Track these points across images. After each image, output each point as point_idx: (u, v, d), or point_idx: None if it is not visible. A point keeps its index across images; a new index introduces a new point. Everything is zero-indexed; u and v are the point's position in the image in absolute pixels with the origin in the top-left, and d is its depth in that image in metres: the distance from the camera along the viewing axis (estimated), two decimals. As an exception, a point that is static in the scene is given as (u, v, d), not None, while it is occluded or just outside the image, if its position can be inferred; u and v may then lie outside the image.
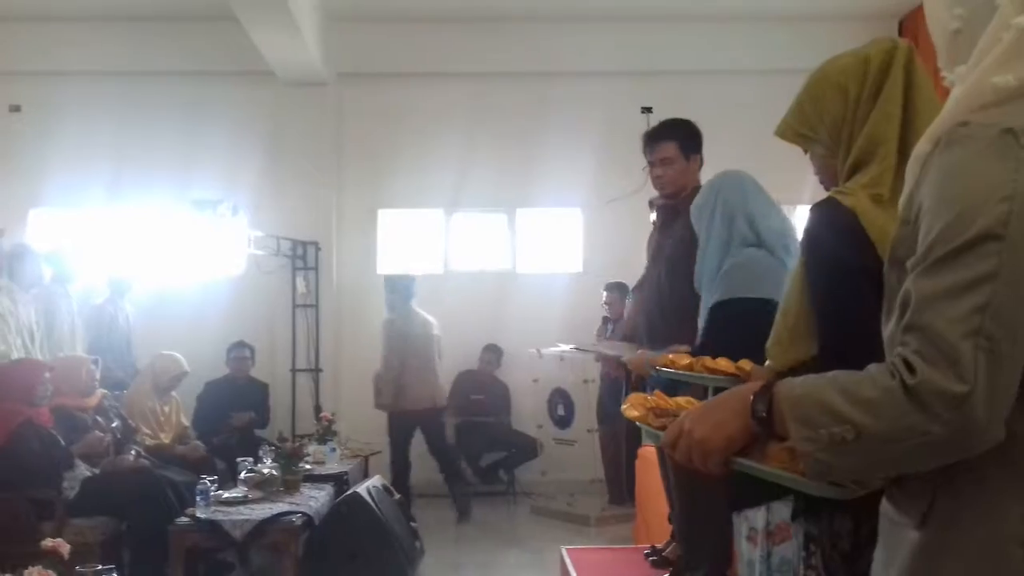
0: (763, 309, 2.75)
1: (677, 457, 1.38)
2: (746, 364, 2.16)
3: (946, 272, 1.10)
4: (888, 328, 1.21)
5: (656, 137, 3.85)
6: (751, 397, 1.29)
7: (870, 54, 1.79)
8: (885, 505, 1.29)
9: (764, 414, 1.26)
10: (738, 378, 2.03)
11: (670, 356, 2.39)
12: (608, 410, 6.93)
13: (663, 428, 1.48)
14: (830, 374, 1.22)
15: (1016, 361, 1.09)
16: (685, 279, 3.62)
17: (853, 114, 1.78)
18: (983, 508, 1.14)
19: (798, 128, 1.84)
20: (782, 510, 2.27)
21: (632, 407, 1.66)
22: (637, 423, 1.64)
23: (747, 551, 2.38)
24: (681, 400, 1.65)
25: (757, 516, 2.35)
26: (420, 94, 8.43)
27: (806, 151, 1.89)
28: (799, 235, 2.30)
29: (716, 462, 1.34)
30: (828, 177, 1.86)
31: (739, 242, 2.97)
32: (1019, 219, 1.08)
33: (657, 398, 1.66)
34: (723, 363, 2.20)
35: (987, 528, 1.13)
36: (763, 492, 2.34)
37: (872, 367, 1.17)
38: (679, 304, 3.55)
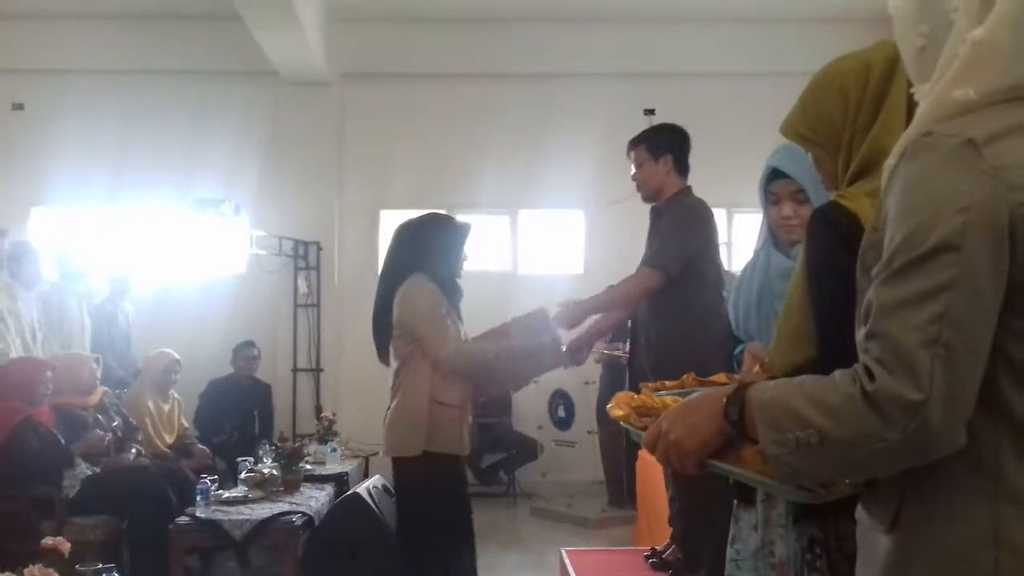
0: None
1: (656, 458, 1.41)
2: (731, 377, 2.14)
3: (906, 281, 1.12)
4: (859, 334, 1.23)
5: (631, 144, 3.92)
6: (724, 400, 1.31)
7: (872, 59, 1.76)
8: (859, 510, 1.31)
9: (736, 417, 1.29)
10: None
11: (666, 383, 2.35)
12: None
13: (646, 428, 1.49)
14: (799, 379, 1.25)
15: (974, 369, 1.11)
16: (675, 280, 3.64)
17: (854, 119, 1.75)
18: (951, 512, 1.15)
19: (798, 128, 1.82)
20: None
21: (616, 406, 1.66)
22: (622, 423, 1.64)
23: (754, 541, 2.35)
24: (668, 399, 1.65)
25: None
26: (422, 95, 8.43)
27: (807, 151, 1.88)
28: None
29: (692, 463, 1.37)
30: (826, 179, 1.85)
31: None
32: (976, 230, 1.10)
33: (644, 397, 1.66)
34: (719, 377, 2.17)
35: (955, 532, 1.14)
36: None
37: (837, 373, 1.19)
38: (675, 308, 3.56)
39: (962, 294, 1.10)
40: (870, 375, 1.12)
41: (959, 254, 1.10)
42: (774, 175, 2.48)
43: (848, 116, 1.76)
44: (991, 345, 1.13)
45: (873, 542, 1.25)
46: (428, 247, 3.73)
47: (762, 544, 2.27)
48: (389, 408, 3.94)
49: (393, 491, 4.01)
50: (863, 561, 1.29)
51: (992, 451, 1.13)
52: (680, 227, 3.70)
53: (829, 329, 1.67)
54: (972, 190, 1.11)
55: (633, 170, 3.89)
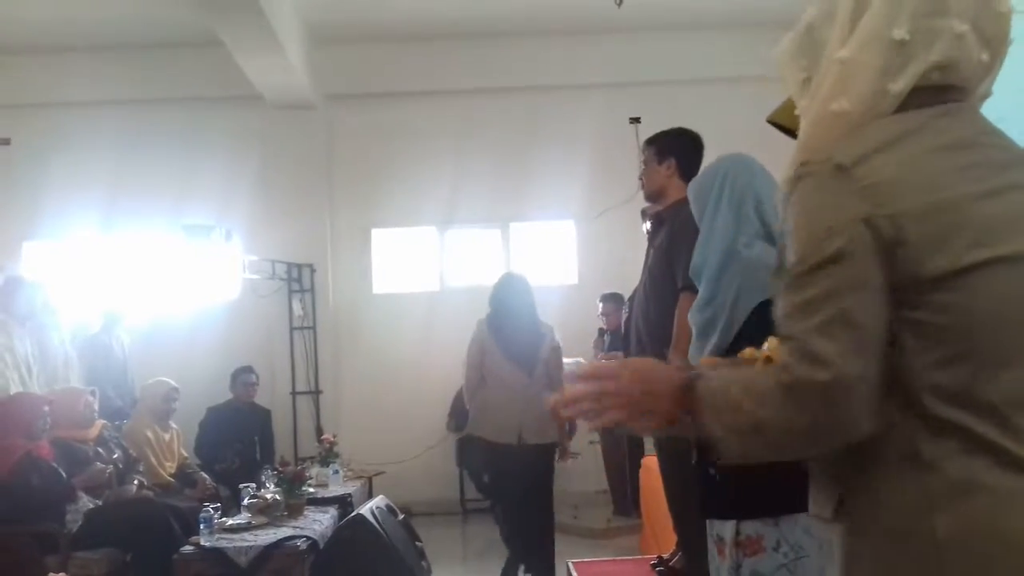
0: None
1: (584, 396, 1.48)
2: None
3: (801, 291, 1.29)
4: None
5: (645, 144, 3.99)
6: (679, 390, 1.41)
7: None
8: (812, 507, 1.42)
9: (690, 407, 1.41)
10: None
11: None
12: (609, 421, 6.92)
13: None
14: (736, 371, 1.42)
15: (870, 358, 1.25)
16: (665, 287, 3.62)
17: None
18: (887, 491, 1.28)
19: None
20: (753, 523, 2.27)
21: None
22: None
23: (714, 558, 2.39)
24: None
25: (725, 526, 2.35)
26: (409, 113, 8.46)
27: None
28: None
29: (635, 426, 1.48)
30: None
31: (748, 232, 2.58)
32: (852, 242, 1.26)
33: None
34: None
35: (894, 507, 1.27)
36: (732, 507, 2.33)
37: (767, 365, 1.35)
38: (662, 314, 3.55)
39: (848, 297, 1.25)
40: (787, 370, 1.27)
41: (843, 264, 1.26)
42: None
43: None
44: (894, 339, 1.26)
45: (831, 534, 1.38)
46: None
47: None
48: (523, 405, 5.12)
49: (543, 469, 5.34)
50: (832, 555, 1.40)
51: (908, 435, 1.26)
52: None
53: None
54: (845, 209, 1.28)
55: (642, 168, 3.95)
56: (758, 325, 2.28)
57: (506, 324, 5.32)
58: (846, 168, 1.29)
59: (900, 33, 1.35)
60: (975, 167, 1.32)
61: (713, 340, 2.42)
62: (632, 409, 1.44)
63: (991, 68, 1.42)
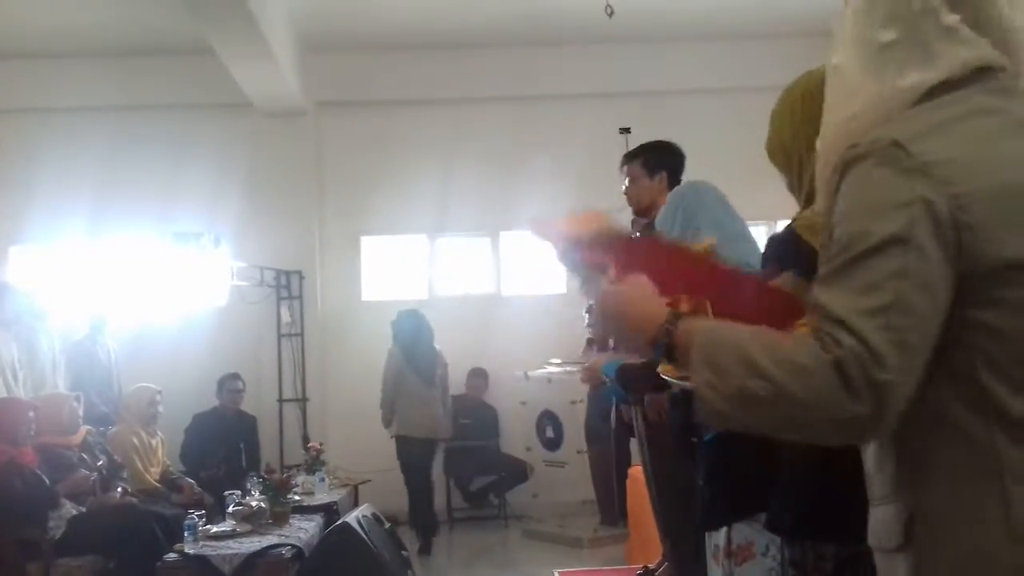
0: None
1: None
2: None
3: (857, 273, 1.15)
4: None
5: (626, 158, 3.96)
6: (662, 323, 1.32)
7: (803, 80, 1.81)
8: (871, 538, 1.31)
9: (666, 345, 1.30)
10: None
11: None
12: (597, 431, 6.92)
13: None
14: (749, 328, 1.24)
15: (921, 354, 1.13)
16: None
17: (793, 139, 1.78)
18: (963, 515, 1.17)
19: (768, 148, 1.85)
20: (743, 530, 2.27)
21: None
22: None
23: (712, 567, 2.40)
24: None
25: (719, 535, 2.36)
26: (400, 121, 8.46)
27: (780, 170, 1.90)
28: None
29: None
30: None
31: None
32: (920, 222, 1.14)
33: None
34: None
35: (971, 533, 1.16)
36: (725, 515, 2.34)
37: (799, 335, 1.20)
38: None
39: (912, 283, 1.12)
40: (838, 344, 1.12)
41: (907, 245, 1.13)
42: None
43: (789, 136, 1.79)
44: (968, 343, 1.16)
45: (890, 563, 1.26)
46: None
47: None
48: (430, 408, 7.01)
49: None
50: None
51: (989, 445, 1.15)
52: None
53: None
54: (910, 186, 1.16)
55: (625, 184, 3.91)
56: None
57: (414, 351, 7.03)
58: (903, 144, 1.18)
59: (886, 36, 1.28)
60: None
61: None
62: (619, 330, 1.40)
63: None
